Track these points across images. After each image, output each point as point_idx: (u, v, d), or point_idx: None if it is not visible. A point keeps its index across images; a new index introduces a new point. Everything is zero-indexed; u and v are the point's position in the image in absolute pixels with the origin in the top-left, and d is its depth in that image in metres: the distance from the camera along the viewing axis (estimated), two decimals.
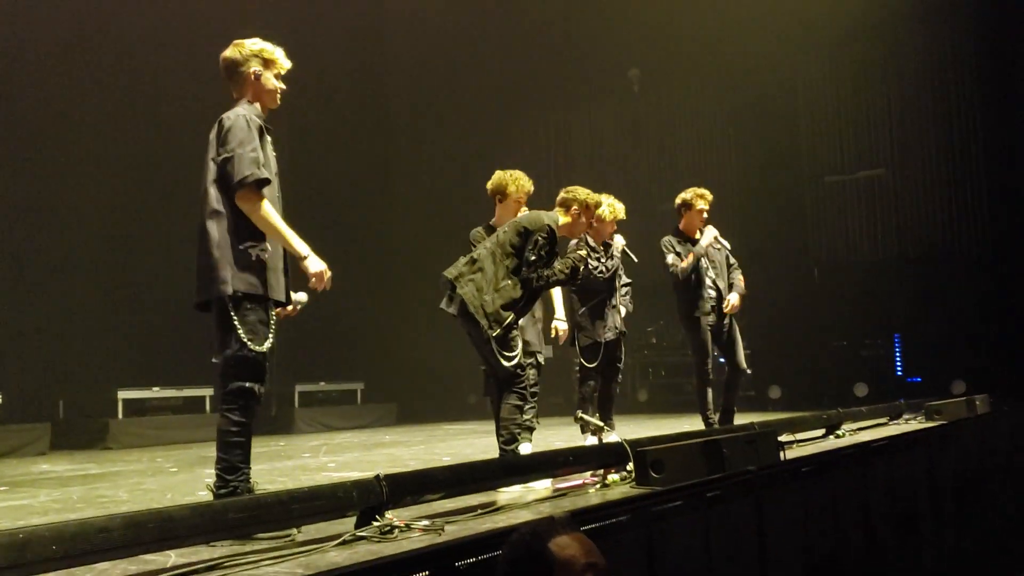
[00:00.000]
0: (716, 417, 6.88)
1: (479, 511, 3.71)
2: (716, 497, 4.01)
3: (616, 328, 6.60)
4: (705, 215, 7.01)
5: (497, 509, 3.81)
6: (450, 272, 4.84)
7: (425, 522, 3.31)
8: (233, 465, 3.51)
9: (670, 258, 6.87)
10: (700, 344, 6.88)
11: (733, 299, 6.93)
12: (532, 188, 5.63)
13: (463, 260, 4.89)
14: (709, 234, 6.94)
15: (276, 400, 11.26)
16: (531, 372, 5.38)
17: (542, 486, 4.45)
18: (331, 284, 3.74)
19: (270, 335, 3.62)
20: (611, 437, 5.55)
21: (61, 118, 9.99)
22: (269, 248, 3.63)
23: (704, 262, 6.90)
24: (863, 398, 11.36)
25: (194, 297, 3.69)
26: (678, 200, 7.14)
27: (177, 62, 10.47)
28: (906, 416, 8.14)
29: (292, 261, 3.80)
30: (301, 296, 3.93)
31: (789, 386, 12.16)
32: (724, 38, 13.01)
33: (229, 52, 3.79)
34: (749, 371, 7.80)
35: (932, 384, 11.27)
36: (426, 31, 14.42)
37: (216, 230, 3.56)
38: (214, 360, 3.63)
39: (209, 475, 3.69)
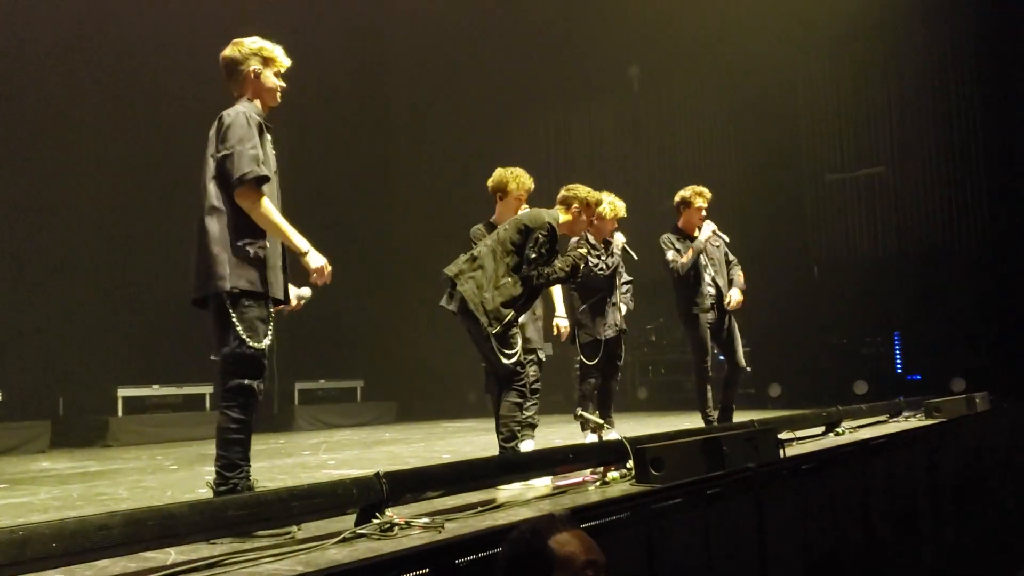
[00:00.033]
0: (715, 415, 6.89)
1: (479, 508, 3.71)
2: (716, 495, 4.01)
3: (616, 326, 6.61)
4: (704, 213, 7.02)
5: (497, 506, 3.81)
6: (450, 269, 4.85)
7: (425, 519, 3.31)
8: (233, 462, 3.51)
9: (670, 254, 6.88)
10: (699, 341, 6.89)
11: (735, 295, 6.94)
12: (533, 186, 5.63)
13: (463, 257, 4.90)
14: (707, 228, 6.95)
15: (279, 398, 11.27)
16: (532, 369, 5.39)
17: (542, 484, 4.46)
18: (331, 278, 3.75)
19: (269, 332, 3.62)
20: (611, 435, 5.55)
21: (61, 118, 10.00)
22: (268, 245, 3.64)
23: (703, 259, 6.91)
24: (863, 396, 11.36)
25: (192, 293, 3.69)
26: (677, 198, 7.15)
27: (177, 62, 10.47)
28: (906, 414, 8.15)
29: (291, 259, 3.81)
30: (305, 291, 3.94)
31: (789, 384, 12.16)
32: (724, 37, 13.01)
33: (228, 51, 3.79)
34: (748, 369, 7.82)
35: (932, 382, 11.27)
36: (426, 31, 14.42)
37: (215, 226, 3.56)
38: (213, 357, 3.63)
39: (209, 473, 3.69)
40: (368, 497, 3.25)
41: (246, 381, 3.54)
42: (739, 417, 6.90)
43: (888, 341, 12.38)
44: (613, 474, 4.48)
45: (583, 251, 5.08)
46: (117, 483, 5.62)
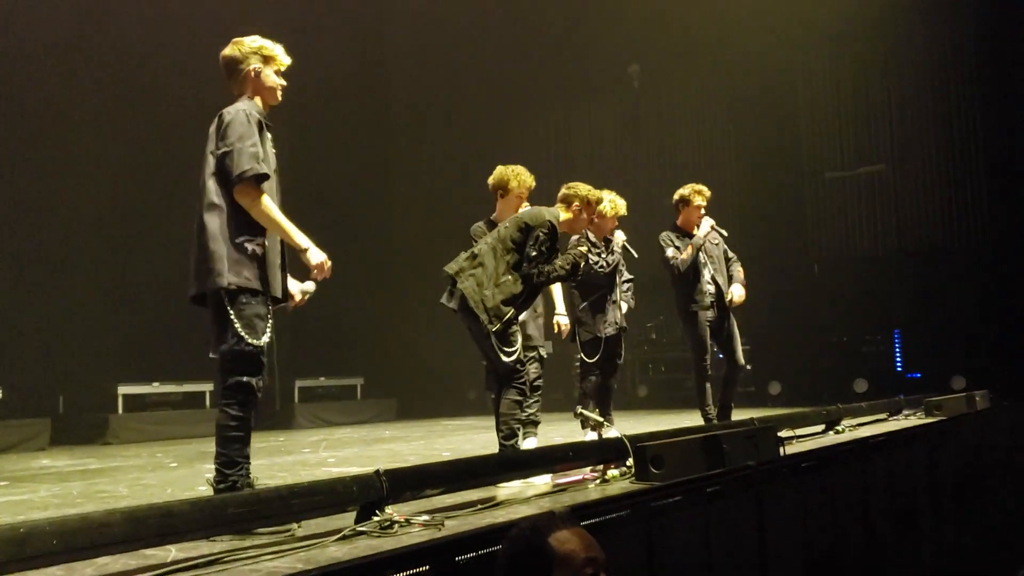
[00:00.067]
0: (715, 412, 6.89)
1: (479, 506, 3.71)
2: (716, 492, 4.01)
3: (616, 323, 6.61)
4: (703, 211, 7.02)
5: (497, 504, 3.81)
6: (451, 267, 4.85)
7: (425, 517, 3.31)
8: (232, 460, 3.52)
9: (670, 251, 6.89)
10: (698, 339, 6.90)
11: (737, 291, 6.94)
12: (534, 183, 5.63)
13: (464, 255, 4.90)
14: (706, 224, 6.96)
15: (279, 396, 11.28)
16: (534, 366, 5.40)
17: (542, 481, 4.46)
18: (331, 273, 3.75)
19: (268, 329, 3.61)
20: (611, 433, 5.56)
21: (61, 118, 10.00)
22: (266, 243, 3.64)
23: (702, 256, 6.91)
24: (863, 394, 11.37)
25: (190, 290, 3.69)
26: (676, 196, 7.16)
27: (177, 62, 10.47)
28: (906, 412, 8.15)
29: (292, 256, 3.81)
30: (309, 285, 3.93)
31: (789, 382, 12.17)
32: (724, 36, 13.01)
33: (229, 50, 3.80)
34: (748, 367, 7.82)
35: (932, 380, 11.28)
36: (426, 30, 14.42)
37: (213, 223, 3.56)
38: (212, 355, 3.63)
39: (209, 470, 3.69)
40: (368, 495, 3.25)
41: (245, 378, 3.53)
42: (739, 415, 6.90)
43: (888, 339, 12.39)
44: (613, 472, 4.48)
45: (583, 249, 5.09)
46: (117, 480, 5.62)
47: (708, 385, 6.90)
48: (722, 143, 14.09)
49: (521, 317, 5.01)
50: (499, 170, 5.63)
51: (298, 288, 3.92)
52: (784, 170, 13.28)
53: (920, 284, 12.05)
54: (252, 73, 3.76)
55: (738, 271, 7.10)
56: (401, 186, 15.03)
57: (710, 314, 6.89)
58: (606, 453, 4.58)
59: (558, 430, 7.74)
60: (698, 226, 6.98)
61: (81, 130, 10.17)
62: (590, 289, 6.54)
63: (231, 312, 3.52)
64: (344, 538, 3.07)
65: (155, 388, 9.95)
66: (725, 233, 7.12)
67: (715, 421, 6.66)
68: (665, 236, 7.00)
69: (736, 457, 4.35)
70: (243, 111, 3.62)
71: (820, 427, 6.77)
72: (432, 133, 15.13)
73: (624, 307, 6.78)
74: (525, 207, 5.44)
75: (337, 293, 3.90)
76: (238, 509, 2.97)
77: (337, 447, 7.83)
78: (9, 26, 9.61)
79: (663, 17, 12.98)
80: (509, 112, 14.82)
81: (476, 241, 5.20)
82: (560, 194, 5.14)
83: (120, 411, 9.53)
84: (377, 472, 3.30)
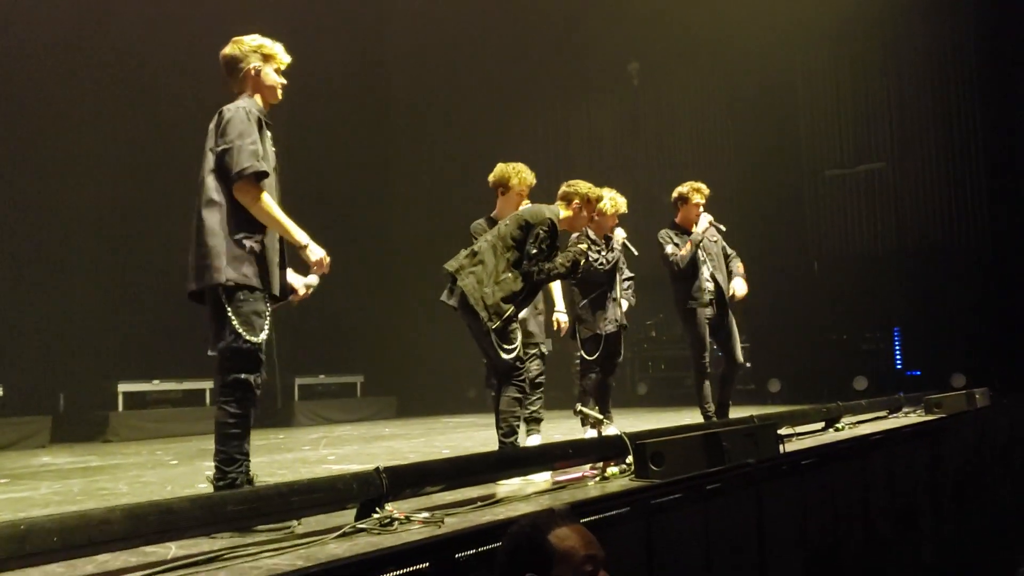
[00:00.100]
0: (714, 410, 6.89)
1: (479, 503, 3.72)
2: (715, 490, 4.01)
3: (617, 321, 6.61)
4: (701, 209, 7.03)
5: (497, 501, 3.81)
6: (451, 264, 4.86)
7: (425, 514, 3.32)
8: (231, 457, 3.52)
9: (669, 248, 6.90)
10: (697, 337, 6.90)
11: (739, 285, 6.95)
12: (534, 181, 5.64)
13: (464, 253, 4.90)
14: (704, 220, 6.96)
15: (281, 393, 11.29)
16: (535, 363, 5.41)
17: (541, 479, 4.46)
18: (330, 269, 3.76)
19: (266, 326, 3.61)
20: (610, 430, 5.56)
21: (61, 118, 9.99)
22: (265, 241, 3.64)
23: (700, 254, 6.91)
24: (863, 391, 11.38)
25: (188, 287, 3.68)
26: (675, 194, 7.17)
27: (177, 62, 10.46)
28: (906, 409, 8.16)
29: (291, 253, 3.81)
30: (312, 279, 3.93)
31: (789, 379, 12.18)
32: (724, 34, 13.01)
33: (228, 49, 3.80)
34: (748, 364, 7.82)
35: (932, 378, 11.30)
36: (426, 30, 14.40)
37: (212, 219, 3.56)
38: (210, 352, 3.63)
39: (209, 467, 3.69)
40: (368, 492, 3.26)
41: (243, 375, 3.53)
42: (739, 412, 6.90)
43: (888, 337, 12.40)
44: (613, 469, 4.49)
45: (583, 247, 5.09)
46: (117, 478, 5.62)
47: (707, 382, 6.91)
48: (722, 142, 14.09)
49: (521, 315, 5.02)
50: (500, 167, 5.64)
51: (301, 282, 3.92)
52: (784, 169, 13.28)
53: (920, 282, 12.06)
54: (252, 71, 3.76)
55: (738, 266, 7.10)
56: (401, 186, 15.02)
57: (709, 311, 6.89)
58: (606, 450, 4.59)
59: (558, 427, 7.74)
60: (696, 223, 6.98)
61: (81, 130, 10.16)
62: (590, 286, 6.55)
63: (229, 309, 3.52)
64: (344, 535, 3.08)
65: (155, 386, 9.96)
66: (724, 228, 7.13)
67: (714, 419, 6.67)
68: (664, 233, 7.01)
69: (736, 455, 4.35)
70: (243, 108, 3.63)
71: (820, 425, 6.77)
72: (432, 133, 15.12)
73: (624, 305, 6.78)
74: (525, 204, 5.45)
75: (337, 291, 3.92)
76: (238, 506, 2.97)
77: (337, 444, 7.83)
78: (9, 26, 9.60)
79: (663, 16, 12.97)
80: (509, 111, 14.81)
81: (476, 238, 5.20)
82: (560, 192, 5.14)
83: (120, 409, 9.54)
84: (377, 469, 3.31)
